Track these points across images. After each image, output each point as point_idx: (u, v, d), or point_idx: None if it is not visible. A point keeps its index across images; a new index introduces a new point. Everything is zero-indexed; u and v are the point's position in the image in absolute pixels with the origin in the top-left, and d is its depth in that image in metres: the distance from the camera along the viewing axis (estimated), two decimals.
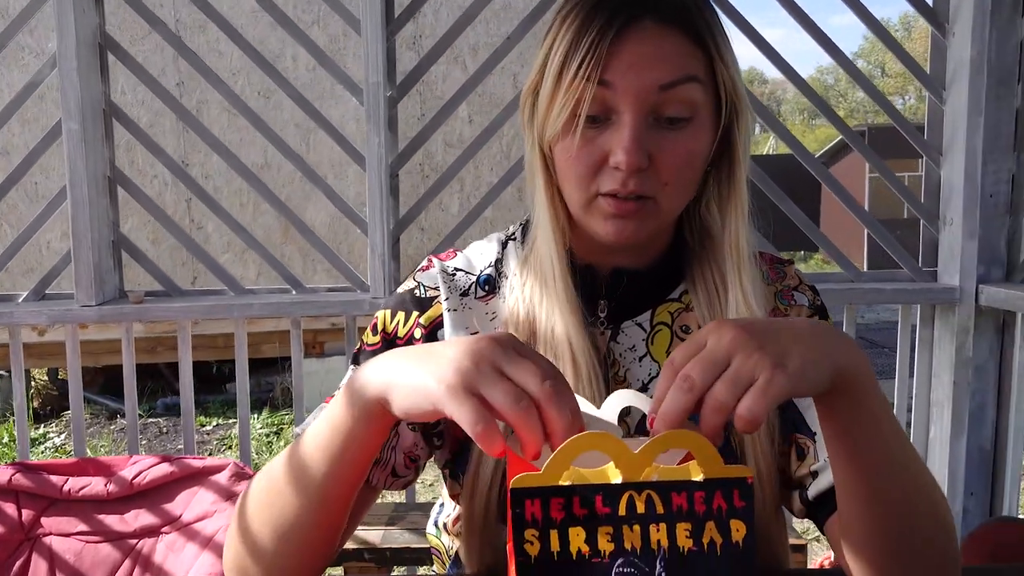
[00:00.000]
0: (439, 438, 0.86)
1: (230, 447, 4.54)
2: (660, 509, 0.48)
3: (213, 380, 5.40)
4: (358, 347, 0.88)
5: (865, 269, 2.08)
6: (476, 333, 0.78)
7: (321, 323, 4.87)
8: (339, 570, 2.31)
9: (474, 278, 0.87)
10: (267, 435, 4.66)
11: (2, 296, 2.08)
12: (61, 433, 4.82)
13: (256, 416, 4.92)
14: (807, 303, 0.88)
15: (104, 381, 5.31)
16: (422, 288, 0.87)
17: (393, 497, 3.84)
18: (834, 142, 17.69)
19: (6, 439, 4.65)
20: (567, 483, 0.49)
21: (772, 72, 36.72)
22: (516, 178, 2.04)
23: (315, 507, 0.70)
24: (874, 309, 8.82)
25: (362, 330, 1.95)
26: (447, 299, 0.86)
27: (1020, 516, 1.89)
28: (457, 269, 0.88)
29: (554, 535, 0.49)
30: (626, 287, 0.84)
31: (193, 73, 2.05)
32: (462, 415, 0.56)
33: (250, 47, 2.01)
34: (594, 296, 0.84)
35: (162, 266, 2.08)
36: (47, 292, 2.06)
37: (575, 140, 0.75)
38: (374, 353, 0.83)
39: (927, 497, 0.68)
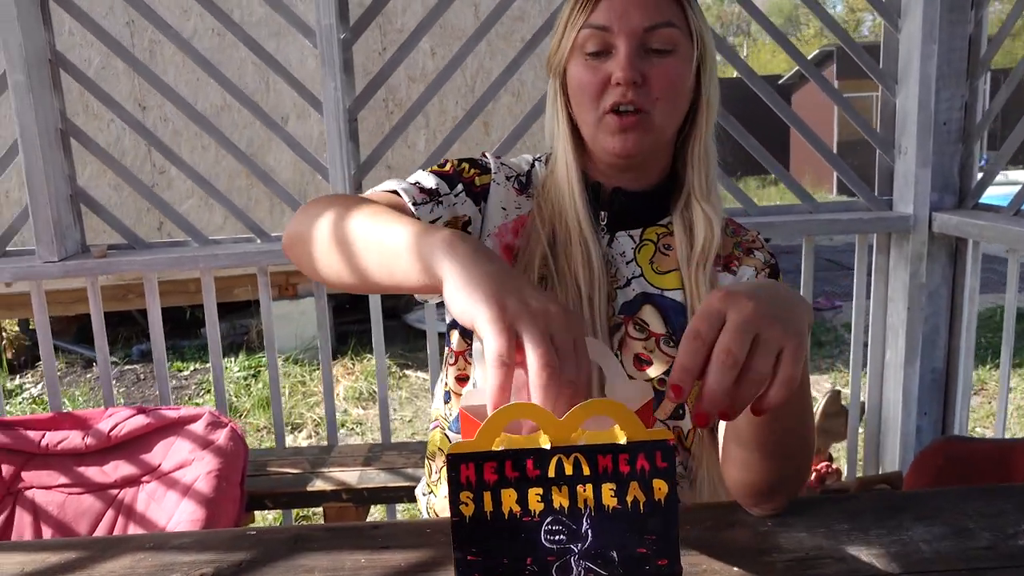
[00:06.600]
0: None
1: (209, 391, 4.57)
2: (587, 471, 0.52)
3: (188, 325, 5.39)
4: (441, 164, 1.06)
5: (835, 192, 2.12)
6: (505, 210, 1.03)
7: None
8: (318, 510, 2.37)
9: (515, 174, 1.09)
10: (245, 378, 4.69)
11: None
12: (38, 383, 4.82)
13: (232, 359, 4.94)
14: (763, 260, 1.03)
15: (77, 330, 5.29)
16: (482, 161, 1.08)
17: (368, 437, 3.92)
18: (809, 58, 17.52)
19: None
20: (500, 448, 0.52)
21: None
22: (481, 112, 2.03)
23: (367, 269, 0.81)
24: None
25: None
26: (496, 173, 1.06)
27: (968, 434, 1.98)
28: (502, 164, 1.09)
29: (487, 496, 0.52)
30: (623, 203, 1.04)
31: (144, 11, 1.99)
32: (494, 343, 0.57)
33: None
34: (597, 208, 1.04)
35: (126, 213, 2.07)
36: (8, 248, 2.04)
37: (584, 71, 0.98)
38: (442, 175, 1.02)
39: (808, 436, 0.84)
